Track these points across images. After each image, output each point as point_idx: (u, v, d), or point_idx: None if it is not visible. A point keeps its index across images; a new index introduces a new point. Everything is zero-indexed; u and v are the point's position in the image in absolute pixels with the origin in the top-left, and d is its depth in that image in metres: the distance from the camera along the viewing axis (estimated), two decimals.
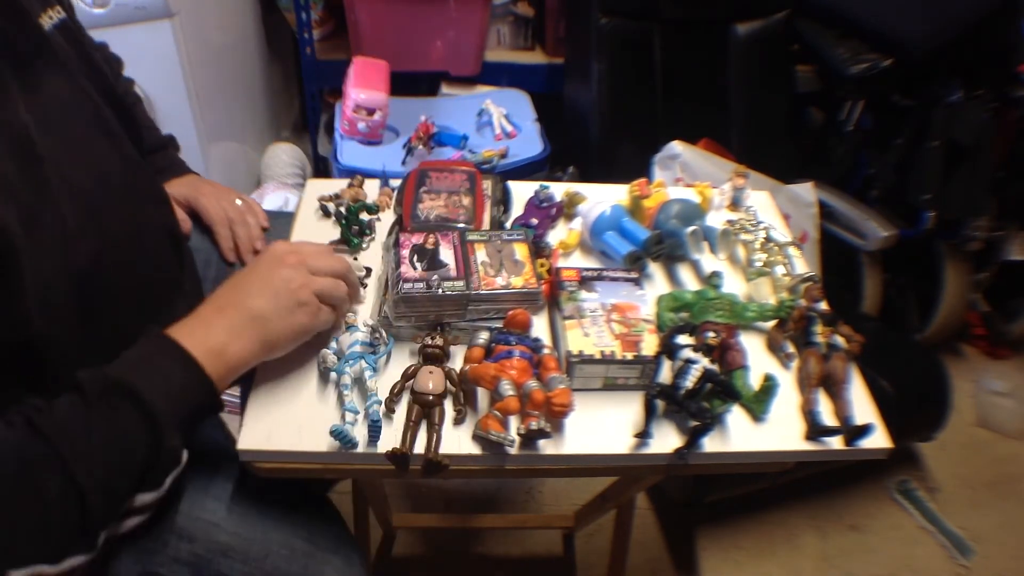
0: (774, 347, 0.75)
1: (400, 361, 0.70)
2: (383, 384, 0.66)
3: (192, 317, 0.61)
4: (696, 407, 0.64)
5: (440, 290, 0.70)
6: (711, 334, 0.69)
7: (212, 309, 0.61)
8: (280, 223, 0.95)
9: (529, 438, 0.62)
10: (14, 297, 0.52)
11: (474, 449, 0.63)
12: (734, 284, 0.83)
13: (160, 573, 0.61)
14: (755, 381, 0.69)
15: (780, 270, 0.83)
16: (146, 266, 0.72)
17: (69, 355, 0.59)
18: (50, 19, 0.66)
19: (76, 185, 0.61)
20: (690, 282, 0.83)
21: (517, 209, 0.92)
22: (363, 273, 0.78)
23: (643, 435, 0.64)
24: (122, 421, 0.52)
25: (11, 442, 0.49)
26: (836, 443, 0.67)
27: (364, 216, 0.85)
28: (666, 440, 0.65)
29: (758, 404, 0.68)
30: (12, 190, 0.53)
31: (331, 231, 0.85)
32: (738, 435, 0.67)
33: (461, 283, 0.71)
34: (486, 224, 0.86)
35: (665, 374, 0.69)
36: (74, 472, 0.48)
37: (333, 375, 0.66)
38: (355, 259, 0.81)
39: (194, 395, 0.57)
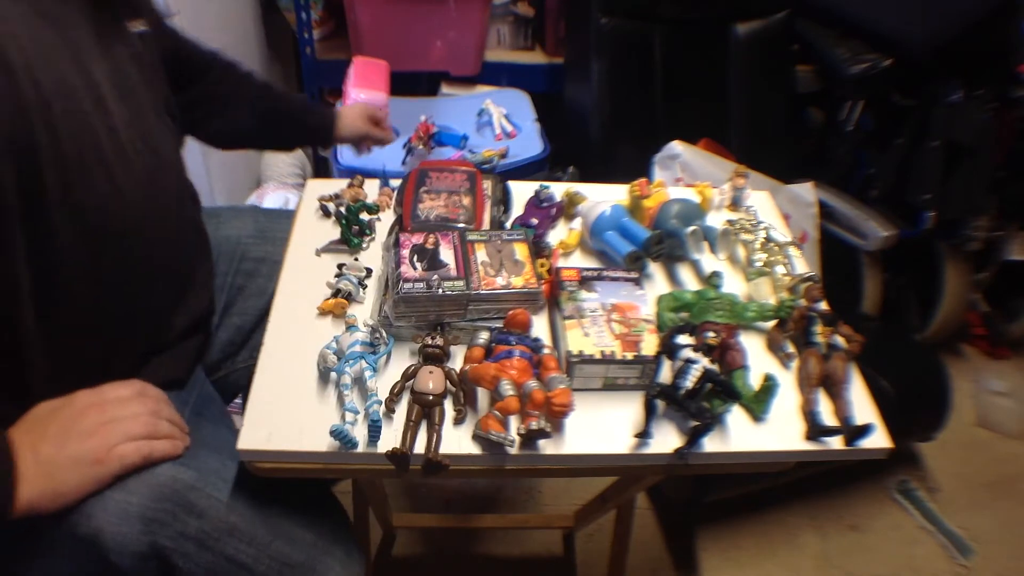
0: (774, 347, 0.75)
1: (400, 361, 0.70)
2: (383, 384, 0.66)
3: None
4: (696, 407, 0.64)
5: (440, 290, 0.70)
6: (711, 334, 0.69)
7: (21, 433, 0.60)
8: (281, 221, 0.96)
9: (529, 438, 0.62)
10: (47, 215, 0.56)
11: (474, 449, 0.63)
12: (734, 284, 0.83)
13: (168, 547, 0.62)
14: (755, 381, 0.69)
15: (780, 270, 0.83)
16: (176, 252, 0.76)
17: (81, 317, 0.63)
18: (134, 28, 0.73)
19: (139, 150, 0.66)
20: (690, 282, 0.83)
21: (517, 209, 0.92)
22: (363, 274, 0.78)
23: (643, 435, 0.64)
24: None
25: None
26: (836, 443, 0.67)
27: (364, 216, 0.85)
28: (666, 440, 0.65)
29: (758, 404, 0.68)
30: (78, 120, 0.59)
31: (331, 231, 0.85)
32: (738, 435, 0.67)
33: (461, 283, 0.71)
34: (486, 224, 0.86)
35: (665, 374, 0.69)
36: None
37: (333, 375, 0.66)
38: (355, 259, 0.81)
39: None
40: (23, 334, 0.60)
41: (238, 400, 1.12)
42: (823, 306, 0.78)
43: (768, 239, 0.86)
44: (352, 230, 0.83)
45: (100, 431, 0.62)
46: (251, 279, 0.91)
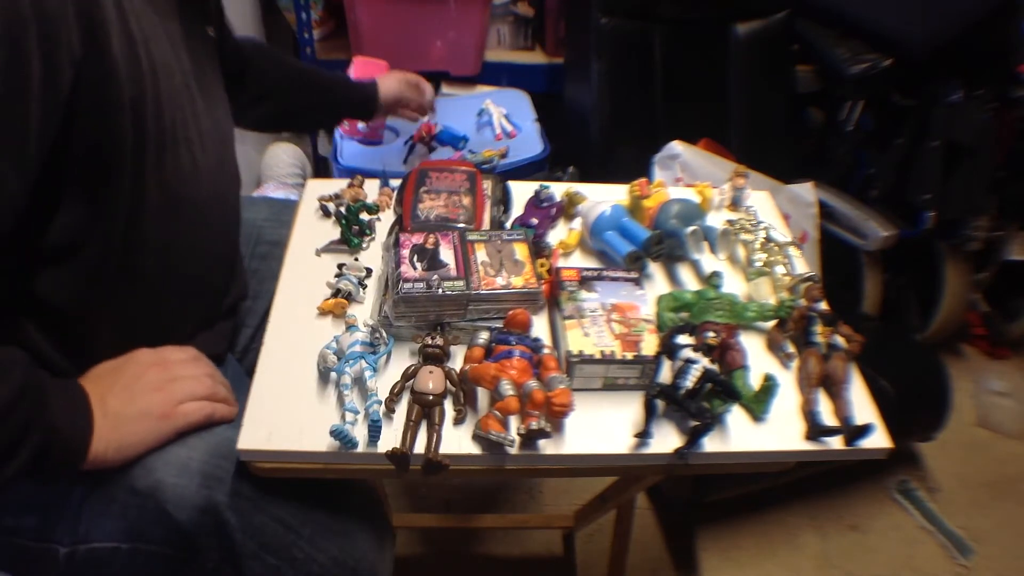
0: (774, 347, 0.75)
1: (400, 361, 0.70)
2: (383, 384, 0.66)
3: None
4: (696, 407, 0.64)
5: (440, 290, 0.70)
6: (711, 334, 0.69)
7: (88, 385, 0.62)
8: (285, 212, 0.97)
9: (529, 438, 0.62)
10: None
11: (474, 449, 0.63)
12: (734, 284, 0.83)
13: (223, 502, 0.64)
14: (755, 381, 0.69)
15: (780, 270, 0.83)
16: (232, 235, 0.81)
17: (152, 285, 0.66)
18: (208, 32, 0.79)
19: (211, 137, 0.71)
20: (690, 282, 0.83)
21: (517, 209, 0.92)
22: (363, 274, 0.78)
23: (643, 435, 0.64)
24: None
25: None
26: (836, 443, 0.67)
27: (364, 216, 0.85)
28: (666, 440, 0.65)
29: (758, 404, 0.68)
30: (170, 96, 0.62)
31: (331, 231, 0.85)
32: (738, 435, 0.67)
33: (461, 283, 0.71)
34: (486, 224, 0.86)
35: (665, 374, 0.69)
36: None
37: (333, 375, 0.66)
38: (355, 259, 0.81)
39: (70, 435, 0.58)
40: (103, 293, 0.62)
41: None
42: (823, 306, 0.78)
43: (768, 239, 0.86)
44: (352, 230, 0.83)
45: (165, 387, 0.64)
46: (265, 262, 0.93)
